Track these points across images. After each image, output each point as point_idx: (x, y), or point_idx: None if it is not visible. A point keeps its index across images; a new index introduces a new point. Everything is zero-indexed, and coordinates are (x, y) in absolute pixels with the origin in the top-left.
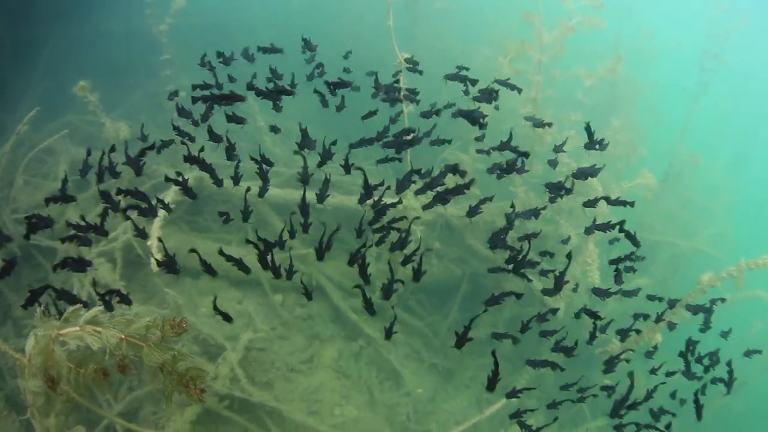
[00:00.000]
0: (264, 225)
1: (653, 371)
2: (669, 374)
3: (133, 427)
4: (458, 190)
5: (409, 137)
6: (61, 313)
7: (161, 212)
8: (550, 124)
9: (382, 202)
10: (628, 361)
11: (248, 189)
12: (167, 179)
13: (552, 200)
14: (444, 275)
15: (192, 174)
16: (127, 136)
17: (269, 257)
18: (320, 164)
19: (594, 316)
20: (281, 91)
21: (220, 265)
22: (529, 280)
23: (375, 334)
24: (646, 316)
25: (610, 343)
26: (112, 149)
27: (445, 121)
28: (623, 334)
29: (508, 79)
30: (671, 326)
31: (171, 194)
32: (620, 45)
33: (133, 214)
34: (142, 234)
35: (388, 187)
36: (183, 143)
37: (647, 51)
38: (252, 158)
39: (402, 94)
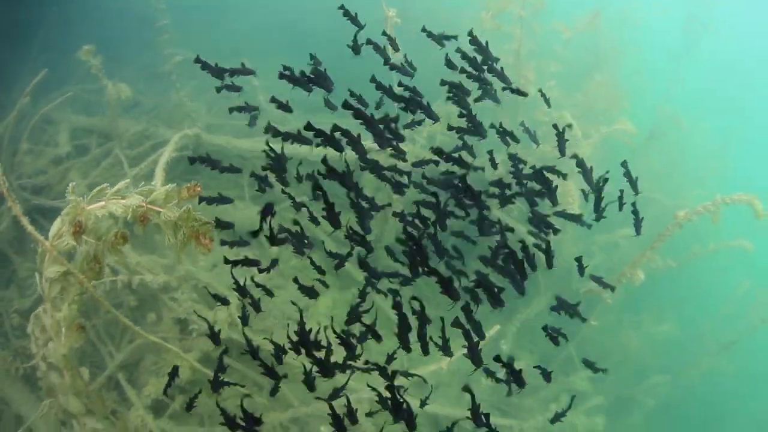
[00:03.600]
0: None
1: None
2: None
3: (150, 337)
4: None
5: None
6: None
7: (159, 173)
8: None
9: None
10: None
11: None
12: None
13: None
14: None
15: (190, 132)
16: (129, 96)
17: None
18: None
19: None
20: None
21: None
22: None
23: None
24: None
25: (591, 283)
26: None
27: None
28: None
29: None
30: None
31: (167, 154)
32: (604, 7)
33: None
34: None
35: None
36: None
37: (632, 15)
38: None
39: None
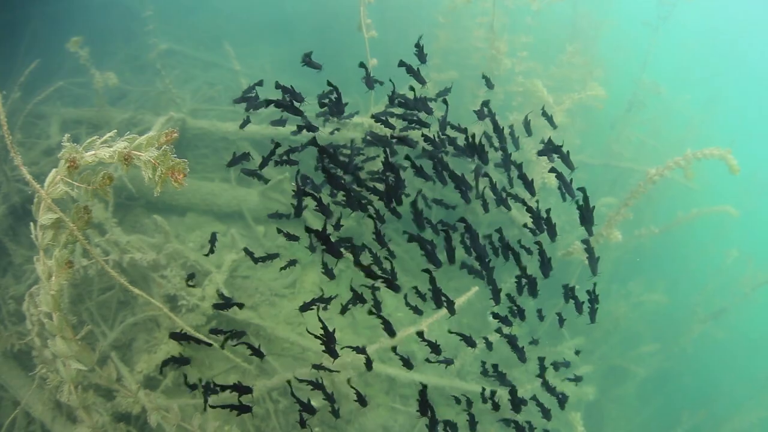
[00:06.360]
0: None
1: None
2: None
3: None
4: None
5: None
6: None
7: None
8: None
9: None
10: None
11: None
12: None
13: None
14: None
15: (178, 116)
16: (116, 84)
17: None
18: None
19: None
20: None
21: (205, 200)
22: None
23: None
24: None
25: (572, 245)
26: None
27: None
28: None
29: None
30: None
31: (156, 129)
32: None
33: None
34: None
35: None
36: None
37: None
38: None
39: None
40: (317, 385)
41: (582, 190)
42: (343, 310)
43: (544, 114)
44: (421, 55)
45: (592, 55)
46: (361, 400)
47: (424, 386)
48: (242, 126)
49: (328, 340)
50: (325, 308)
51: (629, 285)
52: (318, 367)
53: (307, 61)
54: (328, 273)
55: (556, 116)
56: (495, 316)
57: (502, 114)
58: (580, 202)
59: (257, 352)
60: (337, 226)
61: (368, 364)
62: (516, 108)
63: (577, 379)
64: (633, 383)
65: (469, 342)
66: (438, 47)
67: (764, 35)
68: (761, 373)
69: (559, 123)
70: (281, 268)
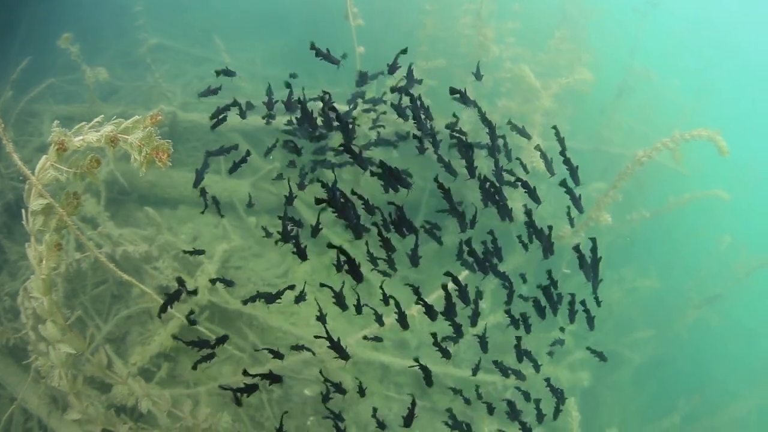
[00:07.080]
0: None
1: None
2: None
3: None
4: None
5: None
6: None
7: None
8: None
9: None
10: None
11: None
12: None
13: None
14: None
15: (168, 109)
16: (107, 78)
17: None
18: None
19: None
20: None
21: (196, 192)
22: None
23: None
24: None
25: (562, 229)
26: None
27: None
28: None
29: None
30: None
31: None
32: None
33: None
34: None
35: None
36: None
37: None
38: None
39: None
40: (339, 389)
41: (593, 242)
42: (322, 319)
43: (556, 133)
44: (394, 68)
45: (581, 40)
46: (381, 425)
47: (413, 400)
48: (213, 127)
49: (335, 343)
50: (303, 299)
51: (622, 271)
52: (298, 348)
53: (325, 54)
54: (340, 303)
55: (544, 101)
56: (508, 314)
57: (491, 100)
58: (587, 254)
59: (277, 354)
60: (315, 229)
61: (361, 390)
62: (504, 94)
63: (601, 357)
64: (628, 369)
65: (483, 346)
66: (425, 35)
67: (759, 27)
68: (756, 359)
69: (548, 108)
70: (276, 242)
